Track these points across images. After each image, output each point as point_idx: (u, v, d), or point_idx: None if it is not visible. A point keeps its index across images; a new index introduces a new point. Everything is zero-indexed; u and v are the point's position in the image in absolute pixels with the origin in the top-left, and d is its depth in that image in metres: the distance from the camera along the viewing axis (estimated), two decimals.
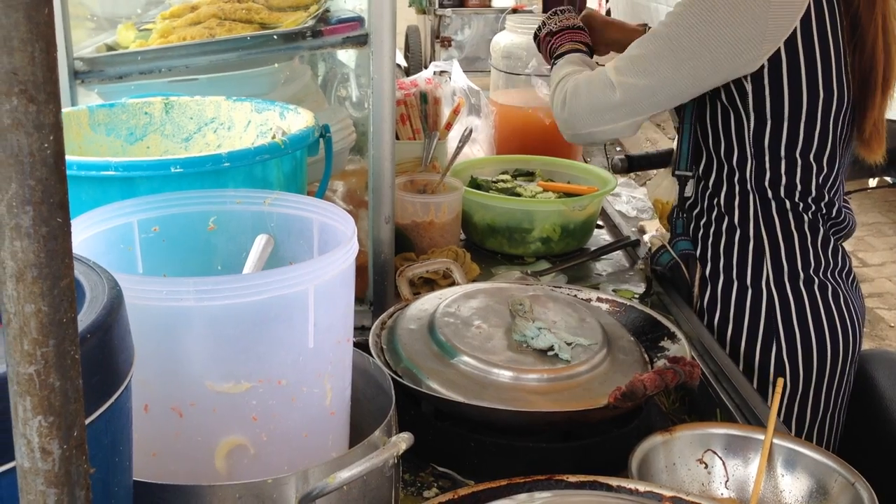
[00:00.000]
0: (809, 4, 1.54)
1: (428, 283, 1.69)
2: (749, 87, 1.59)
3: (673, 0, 1.69)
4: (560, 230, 1.94)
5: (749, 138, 1.63)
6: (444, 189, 1.93)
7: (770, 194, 1.65)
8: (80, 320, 0.56)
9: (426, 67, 2.95)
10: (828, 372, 1.68)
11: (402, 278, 1.49)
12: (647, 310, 1.43)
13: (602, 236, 2.13)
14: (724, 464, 1.12)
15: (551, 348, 1.23)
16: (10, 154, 0.41)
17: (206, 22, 1.62)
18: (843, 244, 1.75)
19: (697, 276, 1.73)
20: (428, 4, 8.23)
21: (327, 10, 1.62)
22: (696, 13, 1.54)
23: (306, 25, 1.56)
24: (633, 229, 2.19)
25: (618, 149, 7.20)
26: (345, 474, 0.81)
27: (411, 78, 2.41)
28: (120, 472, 0.63)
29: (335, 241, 0.95)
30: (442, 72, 2.71)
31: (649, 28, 1.83)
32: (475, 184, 2.07)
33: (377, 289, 1.51)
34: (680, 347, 1.30)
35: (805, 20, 1.54)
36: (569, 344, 1.24)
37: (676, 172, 1.77)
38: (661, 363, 1.25)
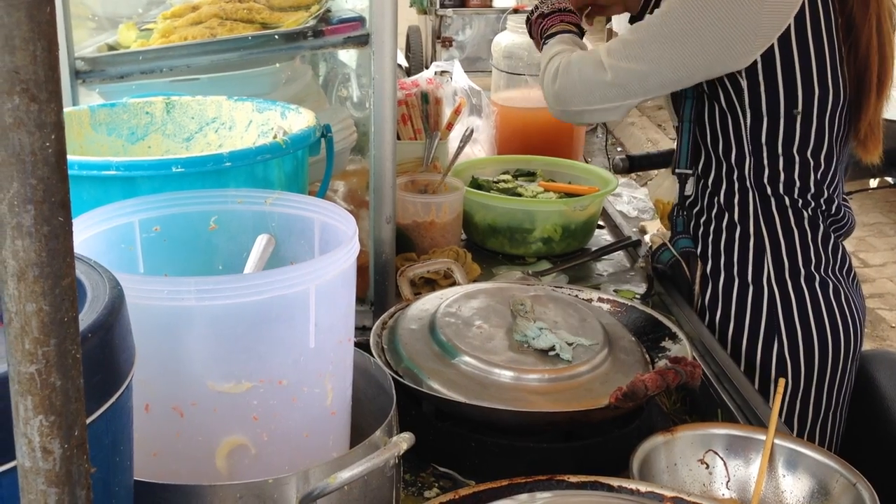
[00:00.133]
0: (804, 2, 1.54)
1: (429, 284, 1.69)
2: (744, 84, 1.59)
3: None
4: (561, 230, 1.94)
5: (746, 136, 1.64)
6: (446, 189, 1.92)
7: (769, 191, 1.65)
8: (82, 320, 0.56)
9: (427, 68, 2.95)
10: (829, 369, 1.68)
11: (403, 278, 1.49)
12: (649, 310, 1.43)
13: (603, 236, 2.13)
14: (725, 464, 1.12)
15: (552, 348, 1.23)
16: (11, 153, 0.41)
17: (207, 22, 1.62)
18: (844, 243, 1.75)
19: (698, 273, 1.73)
20: (429, 4, 8.23)
21: (328, 10, 1.62)
22: (691, 5, 1.55)
23: (307, 25, 1.56)
24: (634, 229, 2.18)
25: (619, 149, 7.21)
26: (346, 474, 0.81)
27: (412, 78, 2.41)
28: (121, 471, 0.63)
29: (336, 240, 0.95)
30: (443, 72, 2.71)
31: None
32: (476, 184, 2.07)
33: (378, 289, 1.51)
34: (681, 348, 1.30)
35: (799, 17, 1.55)
36: (570, 344, 1.24)
37: (676, 171, 1.77)
38: (662, 363, 1.25)
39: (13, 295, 0.43)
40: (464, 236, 2.02)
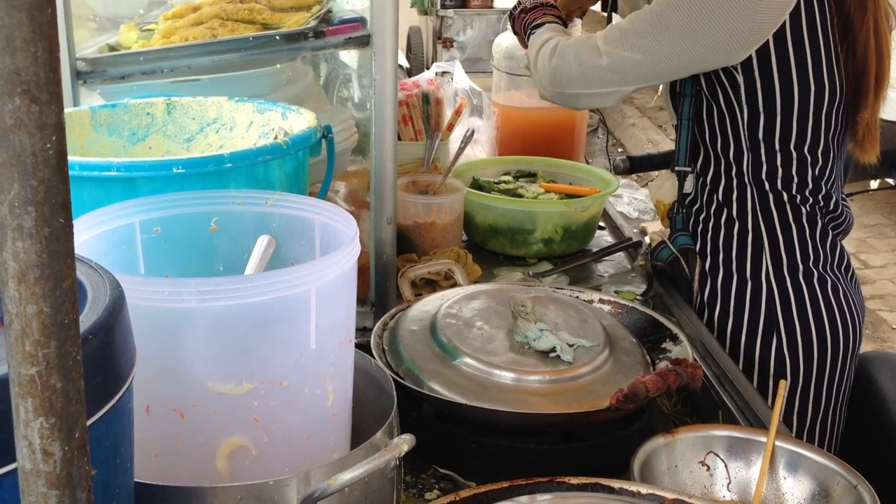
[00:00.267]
0: (799, 0, 1.56)
1: (430, 285, 1.68)
2: (741, 80, 1.61)
3: None
4: (562, 231, 1.94)
5: (744, 132, 1.65)
6: (446, 190, 1.92)
7: (767, 187, 1.67)
8: (82, 321, 0.56)
9: (428, 68, 2.94)
10: (828, 366, 1.69)
11: (403, 279, 1.49)
12: (649, 311, 1.43)
13: (604, 238, 2.13)
14: (726, 466, 1.12)
15: (553, 350, 1.23)
16: (12, 154, 0.41)
17: (208, 22, 1.62)
18: (845, 244, 1.76)
19: (697, 270, 1.74)
20: (430, 5, 8.23)
21: (329, 11, 1.62)
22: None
23: (308, 26, 1.56)
24: (635, 230, 2.18)
25: (619, 150, 7.21)
26: (346, 476, 0.81)
27: (413, 79, 2.41)
28: (121, 473, 0.63)
29: (337, 242, 0.95)
30: (444, 73, 2.70)
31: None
32: (477, 185, 2.07)
33: (379, 290, 1.50)
34: (682, 349, 1.30)
35: (794, 14, 1.56)
36: (570, 345, 1.24)
37: (676, 168, 1.79)
38: (662, 365, 1.25)
39: (14, 297, 0.42)
40: (465, 237, 2.02)
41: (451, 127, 2.19)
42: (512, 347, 1.24)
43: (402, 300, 1.45)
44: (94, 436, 0.52)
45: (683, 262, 1.74)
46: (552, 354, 1.22)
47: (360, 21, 1.49)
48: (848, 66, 1.64)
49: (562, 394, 1.17)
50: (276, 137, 1.27)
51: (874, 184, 4.85)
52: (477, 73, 3.57)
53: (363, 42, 1.44)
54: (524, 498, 0.93)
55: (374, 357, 1.13)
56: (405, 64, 6.80)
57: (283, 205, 1.02)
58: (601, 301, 1.46)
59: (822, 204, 1.68)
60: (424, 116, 2.22)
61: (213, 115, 1.39)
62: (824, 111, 1.62)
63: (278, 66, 1.70)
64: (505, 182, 2.13)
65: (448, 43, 8.16)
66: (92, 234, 0.94)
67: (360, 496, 0.86)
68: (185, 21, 1.64)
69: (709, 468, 1.12)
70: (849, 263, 1.75)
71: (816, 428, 1.72)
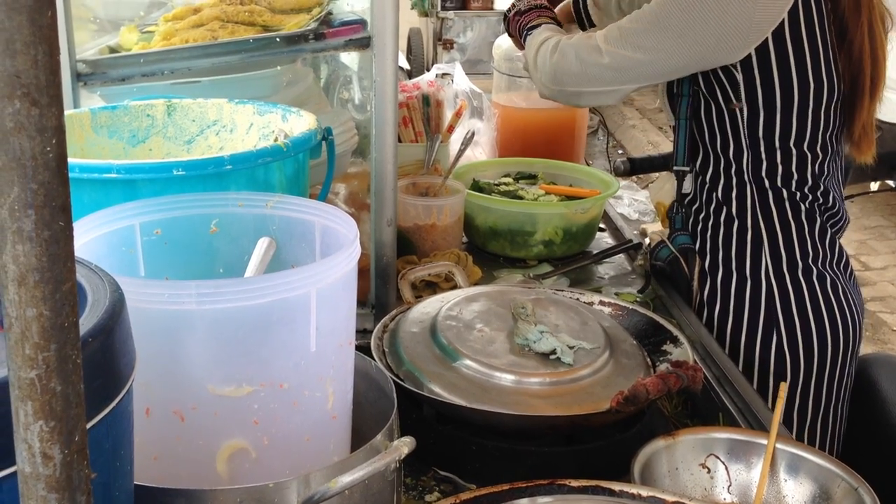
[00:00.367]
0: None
1: (430, 286, 1.68)
2: (740, 78, 1.62)
3: None
4: (562, 233, 1.93)
5: (744, 130, 1.66)
6: (447, 192, 1.92)
7: (767, 184, 1.67)
8: (82, 324, 0.56)
9: (428, 70, 2.94)
10: (829, 364, 1.69)
11: (404, 281, 1.49)
12: (650, 313, 1.43)
13: (604, 239, 2.13)
14: (726, 468, 1.12)
15: (553, 352, 1.23)
16: (12, 157, 0.41)
17: (208, 24, 1.62)
18: (846, 246, 1.76)
19: (696, 269, 1.74)
20: (430, 7, 8.24)
21: (330, 13, 1.62)
22: None
23: (309, 28, 1.56)
24: (636, 232, 2.18)
25: (620, 151, 7.21)
26: (346, 478, 0.81)
27: (413, 80, 2.41)
28: (121, 476, 0.63)
29: (337, 244, 0.95)
30: (444, 74, 2.70)
31: None
32: (477, 186, 2.07)
33: (379, 292, 1.50)
34: (682, 351, 1.30)
35: (792, 12, 1.57)
36: (571, 347, 1.24)
37: (674, 168, 1.79)
38: (663, 367, 1.25)
39: (13, 300, 0.42)
40: (465, 239, 2.02)
41: (451, 129, 2.19)
42: (512, 349, 1.23)
43: (403, 302, 1.45)
44: (93, 439, 0.52)
45: (683, 262, 1.74)
46: (552, 356, 1.22)
47: (361, 23, 1.49)
48: (844, 67, 1.65)
49: (562, 396, 1.17)
50: (276, 139, 1.27)
51: (874, 186, 4.85)
52: (477, 75, 3.57)
53: (363, 44, 1.44)
54: (524, 500, 0.93)
55: (374, 359, 1.13)
56: (406, 66, 6.80)
57: (283, 207, 1.02)
58: (602, 303, 1.46)
59: (820, 201, 1.68)
60: (425, 118, 2.22)
61: (214, 117, 1.39)
62: (823, 108, 1.64)
63: (278, 68, 1.70)
64: (505, 184, 2.13)
65: (448, 44, 8.16)
66: (92, 236, 0.94)
67: (360, 499, 0.86)
68: (186, 23, 1.64)
69: (709, 470, 1.12)
70: (847, 261, 1.76)
71: (818, 426, 1.73)
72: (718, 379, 1.41)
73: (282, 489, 0.81)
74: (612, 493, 0.96)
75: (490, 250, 1.98)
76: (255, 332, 0.83)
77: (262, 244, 0.99)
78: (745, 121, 1.64)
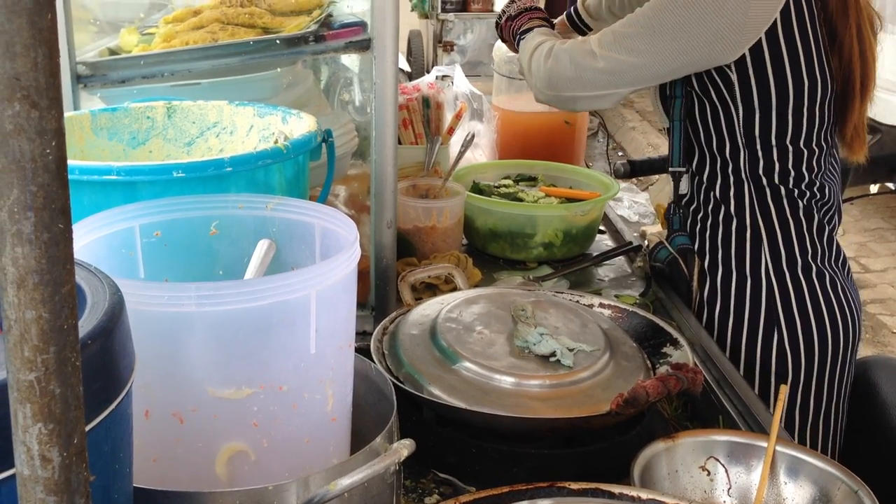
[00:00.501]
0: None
1: (430, 289, 1.68)
2: (734, 78, 1.62)
3: None
4: (562, 235, 1.93)
5: (739, 129, 1.66)
6: (447, 194, 1.92)
7: (764, 182, 1.68)
8: (81, 326, 0.56)
9: (428, 72, 2.95)
10: (829, 361, 1.70)
11: (403, 283, 1.49)
12: (650, 315, 1.43)
13: (604, 241, 2.13)
14: (726, 471, 1.12)
15: (553, 354, 1.22)
16: (12, 160, 0.41)
17: (208, 26, 1.62)
18: (844, 246, 1.77)
19: (696, 269, 1.75)
20: (430, 9, 8.24)
21: (330, 15, 1.62)
22: (679, 1, 1.58)
23: (309, 30, 1.56)
24: (636, 234, 2.18)
25: (620, 153, 7.21)
26: (346, 481, 0.81)
27: (414, 83, 2.41)
28: (120, 478, 0.63)
29: (337, 246, 0.95)
30: (444, 76, 2.71)
31: None
32: (477, 188, 2.07)
33: (379, 294, 1.50)
34: (682, 353, 1.30)
35: (785, 12, 1.58)
36: (571, 350, 1.24)
37: (670, 169, 1.79)
38: (663, 369, 1.25)
39: (13, 302, 0.42)
40: (465, 241, 2.02)
41: (451, 131, 2.19)
42: (512, 352, 1.23)
43: (403, 304, 1.45)
44: (92, 441, 0.52)
45: (682, 262, 1.75)
46: (552, 359, 1.22)
47: (361, 25, 1.49)
48: (836, 68, 1.67)
49: (562, 398, 1.17)
50: (276, 141, 1.27)
51: (874, 188, 4.85)
52: (477, 77, 3.57)
53: (363, 46, 1.44)
54: (524, 503, 0.93)
55: (374, 361, 1.13)
56: (407, 68, 6.80)
57: (283, 209, 1.02)
58: (601, 305, 1.46)
59: (818, 197, 1.70)
60: (425, 120, 2.22)
61: (214, 119, 1.39)
62: (818, 104, 1.65)
63: (279, 70, 1.70)
64: (505, 186, 2.13)
65: (448, 46, 8.17)
66: (92, 238, 0.94)
67: (359, 501, 0.86)
68: (186, 25, 1.64)
69: (709, 473, 1.11)
70: (844, 259, 1.77)
71: (819, 424, 1.73)
72: (718, 381, 1.41)
73: (281, 491, 0.81)
74: (611, 495, 0.95)
75: (490, 252, 1.98)
76: (255, 335, 0.82)
77: (262, 246, 0.99)
78: (741, 120, 1.65)
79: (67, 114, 1.33)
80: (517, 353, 1.23)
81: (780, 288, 1.68)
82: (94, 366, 0.56)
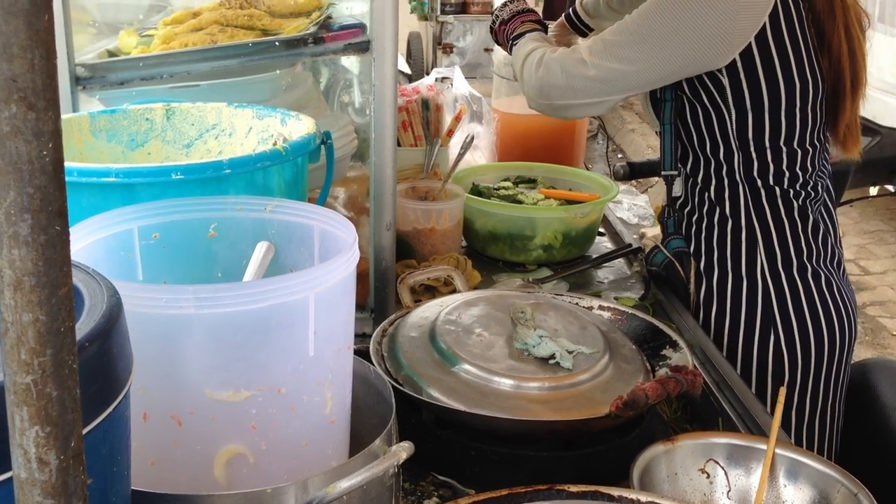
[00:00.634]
0: (776, 1, 1.58)
1: (429, 291, 1.68)
2: (726, 82, 1.63)
3: None
4: (562, 237, 1.93)
5: (733, 132, 1.67)
6: (446, 196, 1.92)
7: (759, 183, 1.69)
8: (79, 328, 0.56)
9: (428, 74, 2.95)
10: (825, 362, 1.70)
11: (403, 285, 1.49)
12: (649, 318, 1.42)
13: (604, 244, 2.12)
14: (726, 474, 1.11)
15: (552, 356, 1.22)
16: (8, 162, 0.41)
17: (207, 28, 1.62)
18: (843, 248, 1.78)
19: (692, 272, 1.75)
20: (430, 11, 8.24)
21: (329, 17, 1.62)
22: (668, 8, 1.59)
23: (308, 32, 1.56)
24: (635, 236, 2.18)
25: (619, 155, 7.21)
26: (344, 484, 0.80)
27: (413, 84, 2.41)
28: (118, 481, 0.63)
29: (336, 248, 0.95)
30: (444, 78, 2.71)
31: None
32: (477, 191, 2.07)
33: (378, 296, 1.50)
34: (682, 356, 1.30)
35: (773, 15, 1.59)
36: (570, 352, 1.24)
37: (663, 173, 1.80)
38: (662, 372, 1.25)
39: (9, 305, 0.42)
40: (464, 243, 2.02)
41: (450, 133, 2.19)
42: (511, 354, 1.23)
43: (402, 306, 1.45)
44: (90, 444, 0.52)
45: (678, 265, 1.75)
46: (551, 361, 1.22)
47: (360, 27, 1.49)
48: (826, 68, 1.67)
49: (561, 401, 1.17)
50: (275, 143, 1.27)
51: (874, 190, 4.86)
52: (477, 79, 3.57)
53: (363, 48, 1.44)
54: None
55: (373, 363, 1.13)
56: (407, 70, 6.80)
57: (281, 211, 1.02)
58: (601, 307, 1.46)
59: (812, 196, 1.70)
60: (424, 122, 2.22)
61: (213, 121, 1.39)
62: (810, 105, 1.66)
63: (278, 71, 1.70)
64: (504, 188, 2.13)
65: (448, 48, 8.17)
66: (90, 240, 0.94)
67: None
68: (185, 27, 1.64)
69: (709, 476, 1.11)
70: (840, 259, 1.77)
71: (816, 424, 1.73)
72: (718, 383, 1.41)
73: (280, 494, 0.80)
74: (611, 498, 0.95)
75: (489, 254, 1.98)
76: (254, 337, 0.82)
77: (261, 248, 0.99)
78: (735, 123, 1.66)
79: (66, 116, 1.33)
80: (516, 355, 1.23)
81: (776, 289, 1.69)
82: (91, 368, 0.56)
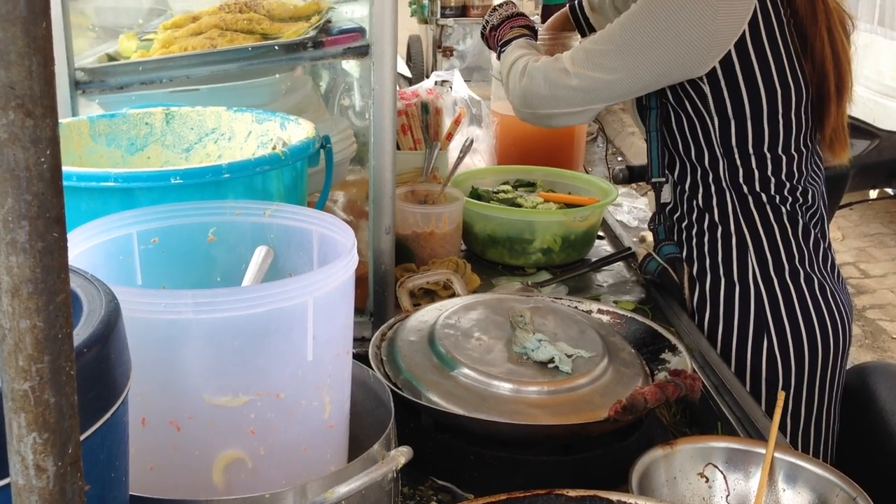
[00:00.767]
0: (756, 8, 1.59)
1: (428, 295, 1.68)
2: (707, 89, 1.64)
3: None
4: (561, 241, 1.93)
5: (716, 139, 1.68)
6: (445, 199, 1.92)
7: (745, 190, 1.69)
8: (77, 334, 0.56)
9: (428, 77, 2.95)
10: (819, 366, 1.70)
11: (402, 289, 1.49)
12: (648, 322, 1.42)
13: (603, 247, 2.12)
14: (725, 478, 1.11)
15: (551, 360, 1.22)
16: (6, 168, 0.41)
17: (207, 32, 1.62)
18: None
19: (686, 277, 1.75)
20: (430, 14, 8.25)
21: (329, 21, 1.62)
22: (647, 17, 1.60)
23: (307, 36, 1.56)
24: (635, 239, 2.18)
25: (619, 158, 7.21)
26: (343, 489, 0.80)
27: (412, 88, 2.41)
28: (116, 487, 0.62)
29: (335, 252, 0.95)
30: (443, 81, 2.71)
31: None
32: (476, 194, 2.07)
33: (377, 300, 1.50)
34: (681, 360, 1.30)
35: (752, 22, 1.60)
36: (569, 356, 1.24)
37: (651, 180, 1.80)
38: (661, 376, 1.25)
39: (7, 311, 0.42)
40: (463, 247, 2.02)
41: (449, 136, 2.19)
42: (510, 358, 1.23)
43: (401, 310, 1.45)
44: (88, 449, 0.52)
45: (671, 272, 1.75)
46: (550, 365, 1.22)
47: (359, 31, 1.49)
48: (810, 72, 1.67)
49: (560, 405, 1.17)
50: (274, 148, 1.27)
51: (873, 193, 4.85)
52: (476, 82, 3.58)
53: (362, 52, 1.44)
54: None
55: (372, 368, 1.13)
56: (407, 73, 6.80)
57: (280, 215, 1.02)
58: (600, 311, 1.46)
59: (801, 201, 1.70)
60: (423, 126, 2.22)
61: (212, 125, 1.39)
62: (793, 111, 1.66)
63: (277, 76, 1.70)
64: (504, 191, 2.13)
65: (448, 52, 8.18)
66: (89, 245, 0.94)
67: None
68: (185, 31, 1.64)
69: (708, 480, 1.11)
70: (834, 262, 1.77)
71: (811, 429, 1.73)
72: (717, 387, 1.41)
73: (278, 499, 0.80)
74: (609, 502, 0.95)
75: (489, 258, 1.98)
76: (252, 342, 0.82)
77: (260, 253, 0.99)
78: (717, 130, 1.66)
79: (66, 120, 1.33)
80: (515, 359, 1.23)
81: (769, 293, 1.69)
82: (89, 374, 0.56)
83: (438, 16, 8.12)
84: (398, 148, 2.06)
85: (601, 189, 2.11)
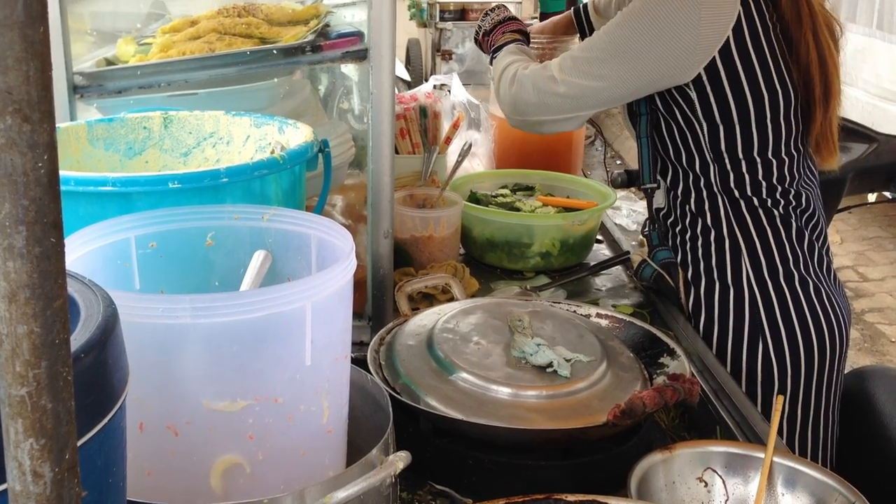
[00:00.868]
0: (739, 14, 1.60)
1: (427, 299, 1.68)
2: (694, 95, 1.65)
3: None
4: (559, 245, 1.93)
5: (706, 144, 1.68)
6: (444, 203, 1.92)
7: (737, 194, 1.69)
8: (74, 339, 0.55)
9: (426, 80, 2.95)
10: (816, 370, 1.70)
11: (400, 293, 1.49)
12: (647, 326, 1.42)
13: (602, 251, 2.12)
14: (724, 482, 1.11)
15: (550, 365, 1.22)
16: (3, 174, 0.41)
17: (205, 36, 1.62)
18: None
19: (681, 282, 1.75)
20: (429, 17, 8.26)
21: (327, 25, 1.62)
22: (632, 25, 1.61)
23: (306, 40, 1.56)
24: (634, 243, 2.18)
25: (618, 162, 7.21)
26: (341, 494, 0.80)
27: (411, 92, 2.41)
28: (113, 492, 0.62)
29: (333, 257, 0.95)
30: (442, 85, 2.71)
31: None
32: (474, 198, 2.07)
33: (376, 304, 1.50)
34: (679, 364, 1.30)
35: (737, 29, 1.60)
36: (568, 360, 1.24)
37: (642, 186, 1.81)
38: (660, 380, 1.24)
39: (4, 317, 0.42)
40: (462, 251, 2.02)
41: (448, 140, 2.19)
42: (509, 362, 1.23)
43: (399, 315, 1.45)
44: (85, 455, 0.51)
45: (667, 277, 1.75)
46: (549, 369, 1.22)
47: (358, 35, 1.49)
48: (797, 77, 1.68)
49: (559, 409, 1.16)
50: (272, 152, 1.27)
51: (872, 197, 4.86)
52: (475, 86, 3.57)
53: (360, 56, 1.44)
54: None
55: (370, 372, 1.13)
56: (406, 76, 6.80)
57: (279, 220, 1.02)
58: (598, 315, 1.46)
59: (794, 204, 1.70)
60: (422, 129, 2.22)
61: (210, 130, 1.39)
62: (782, 115, 1.66)
63: (275, 80, 1.70)
64: (502, 195, 2.13)
65: (447, 55, 8.18)
66: (87, 249, 0.94)
67: None
68: (183, 35, 1.64)
69: (706, 484, 1.11)
70: (830, 265, 1.77)
71: (809, 433, 1.73)
72: (716, 392, 1.41)
73: None
74: None
75: (487, 262, 1.98)
76: (250, 347, 0.82)
77: (258, 257, 0.98)
78: (706, 136, 1.67)
79: (64, 125, 1.33)
80: (514, 363, 1.23)
81: (763, 297, 1.69)
82: (86, 379, 0.55)
83: (437, 19, 8.14)
84: (397, 152, 2.06)
85: (600, 193, 2.11)
